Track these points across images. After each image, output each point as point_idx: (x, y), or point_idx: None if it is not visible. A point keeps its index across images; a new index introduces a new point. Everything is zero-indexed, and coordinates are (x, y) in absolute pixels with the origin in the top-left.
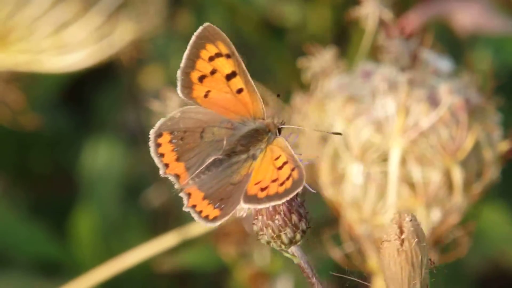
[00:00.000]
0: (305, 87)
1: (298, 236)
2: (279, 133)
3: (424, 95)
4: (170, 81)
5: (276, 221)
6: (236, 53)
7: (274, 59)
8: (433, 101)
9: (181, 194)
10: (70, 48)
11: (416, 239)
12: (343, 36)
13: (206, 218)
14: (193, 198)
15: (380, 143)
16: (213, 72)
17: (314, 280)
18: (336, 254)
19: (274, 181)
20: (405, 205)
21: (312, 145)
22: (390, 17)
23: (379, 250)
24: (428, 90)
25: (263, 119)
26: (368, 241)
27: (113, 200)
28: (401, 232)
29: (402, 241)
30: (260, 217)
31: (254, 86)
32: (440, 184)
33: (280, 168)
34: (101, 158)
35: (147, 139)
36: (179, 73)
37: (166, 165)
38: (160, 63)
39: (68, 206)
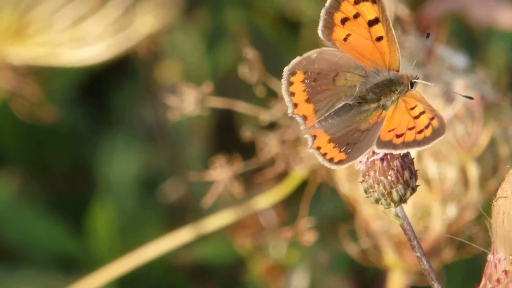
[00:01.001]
0: None
1: (408, 194)
2: (411, 86)
3: (440, 91)
4: (187, 75)
5: (389, 177)
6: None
7: (290, 54)
8: (449, 97)
9: (306, 136)
10: (87, 42)
11: None
12: None
13: (331, 160)
14: (318, 140)
15: None
16: (356, 15)
17: (415, 243)
18: (352, 249)
19: (410, 129)
20: (421, 201)
21: None
22: (406, 13)
23: (492, 207)
24: (443, 85)
25: (398, 70)
26: (384, 237)
27: (130, 195)
28: None
29: None
30: (372, 173)
31: (395, 36)
32: (456, 180)
33: (416, 117)
34: (118, 154)
35: (164, 134)
36: (323, 12)
37: (295, 105)
38: (177, 58)
39: (85, 202)
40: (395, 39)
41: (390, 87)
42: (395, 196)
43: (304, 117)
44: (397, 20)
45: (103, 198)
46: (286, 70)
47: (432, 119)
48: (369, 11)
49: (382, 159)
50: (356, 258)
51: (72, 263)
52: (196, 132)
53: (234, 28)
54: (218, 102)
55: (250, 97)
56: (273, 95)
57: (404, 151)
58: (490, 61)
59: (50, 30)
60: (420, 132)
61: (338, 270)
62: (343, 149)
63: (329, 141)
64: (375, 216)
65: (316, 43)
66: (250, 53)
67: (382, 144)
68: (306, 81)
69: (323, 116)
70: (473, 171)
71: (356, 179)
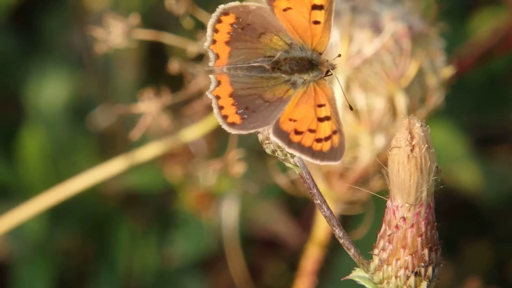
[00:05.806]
0: None
1: None
2: (326, 74)
3: (368, 22)
4: (116, 3)
5: None
6: None
7: None
8: (377, 28)
9: (210, 76)
10: None
11: (426, 145)
12: None
13: (225, 118)
14: (221, 88)
15: None
16: None
17: (315, 191)
18: (281, 180)
19: (311, 131)
20: (349, 131)
21: None
22: None
23: (388, 157)
24: (371, 17)
25: (321, 54)
26: (313, 167)
27: (60, 122)
28: (412, 137)
29: (413, 147)
30: None
31: (331, 26)
32: (384, 111)
33: (321, 120)
34: (47, 80)
35: (94, 61)
36: None
37: (214, 41)
38: None
39: (15, 128)
40: (331, 28)
41: (307, 65)
42: None
43: (217, 56)
44: None
45: (32, 125)
46: (220, 7)
47: (334, 132)
48: None
49: None
50: (285, 188)
51: (2, 189)
52: (127, 59)
53: None
54: (145, 34)
55: (179, 29)
56: (201, 27)
57: (296, 154)
58: None
59: None
60: (319, 141)
61: (268, 198)
62: (240, 111)
63: (230, 95)
64: None
65: None
66: None
67: (279, 132)
68: (234, 25)
69: (236, 64)
70: (401, 102)
71: None
